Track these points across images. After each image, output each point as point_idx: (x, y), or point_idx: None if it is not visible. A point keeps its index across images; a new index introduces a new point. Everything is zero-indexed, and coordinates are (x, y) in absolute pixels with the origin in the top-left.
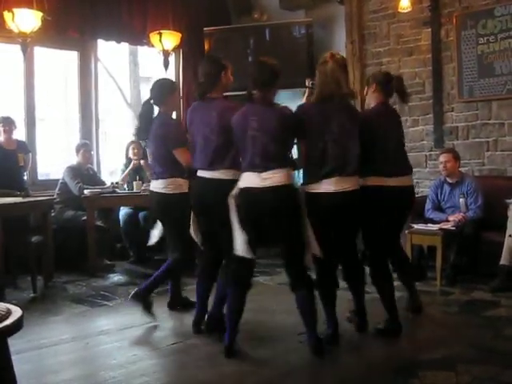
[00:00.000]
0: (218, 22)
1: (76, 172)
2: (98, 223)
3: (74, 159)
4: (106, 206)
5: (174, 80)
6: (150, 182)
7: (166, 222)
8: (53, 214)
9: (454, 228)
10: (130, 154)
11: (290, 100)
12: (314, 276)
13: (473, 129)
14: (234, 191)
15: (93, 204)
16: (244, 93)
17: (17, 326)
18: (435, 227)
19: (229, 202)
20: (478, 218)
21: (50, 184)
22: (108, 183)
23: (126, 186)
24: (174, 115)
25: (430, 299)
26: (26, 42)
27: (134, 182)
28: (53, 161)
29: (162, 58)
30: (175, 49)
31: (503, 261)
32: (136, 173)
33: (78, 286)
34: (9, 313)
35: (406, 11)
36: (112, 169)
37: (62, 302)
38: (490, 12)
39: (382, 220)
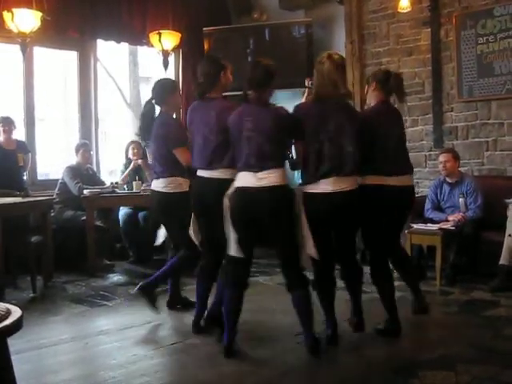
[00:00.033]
0: (217, 22)
1: (75, 172)
2: (98, 223)
3: (73, 159)
4: (105, 206)
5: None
6: (149, 182)
7: (166, 221)
8: (52, 214)
9: (453, 228)
10: (130, 155)
11: (290, 100)
12: (311, 276)
13: (472, 129)
14: (230, 191)
15: (92, 204)
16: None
17: (16, 326)
18: (435, 227)
19: (224, 201)
20: (478, 218)
21: (49, 184)
22: (107, 183)
23: (125, 186)
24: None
25: (430, 299)
26: (26, 42)
27: (134, 182)
28: (52, 161)
29: (161, 58)
30: (175, 49)
31: (503, 260)
32: (135, 173)
33: (77, 285)
34: (8, 313)
35: (405, 11)
36: (111, 169)
37: (61, 302)
38: (489, 12)
39: (382, 219)
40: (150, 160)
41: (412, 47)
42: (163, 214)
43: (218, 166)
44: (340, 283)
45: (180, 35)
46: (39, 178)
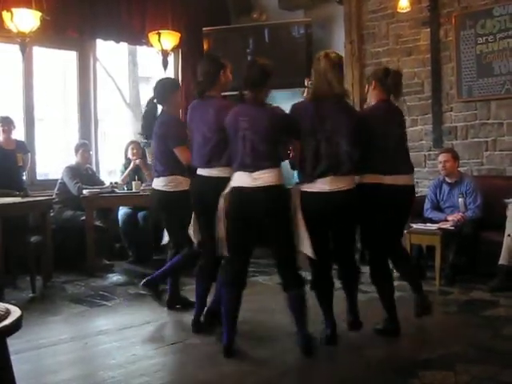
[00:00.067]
0: (217, 22)
1: (75, 172)
2: (97, 223)
3: (72, 159)
4: (104, 206)
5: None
6: (148, 182)
7: (167, 219)
8: (52, 214)
9: (452, 228)
10: (129, 155)
11: (289, 100)
12: (309, 277)
13: (472, 129)
14: (226, 190)
15: (92, 204)
16: None
17: (16, 326)
18: (434, 227)
19: (219, 200)
20: (477, 218)
21: (48, 184)
22: (107, 183)
23: (125, 186)
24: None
25: (429, 299)
26: (25, 42)
27: (133, 182)
28: (52, 161)
29: (160, 57)
30: (174, 49)
31: (502, 260)
32: (135, 173)
33: (76, 285)
34: (8, 313)
35: (405, 11)
36: (111, 169)
37: (60, 302)
38: (488, 12)
39: (379, 218)
40: (149, 160)
41: (411, 47)
42: (163, 212)
43: (216, 165)
44: (338, 283)
45: (179, 35)
46: (38, 177)
